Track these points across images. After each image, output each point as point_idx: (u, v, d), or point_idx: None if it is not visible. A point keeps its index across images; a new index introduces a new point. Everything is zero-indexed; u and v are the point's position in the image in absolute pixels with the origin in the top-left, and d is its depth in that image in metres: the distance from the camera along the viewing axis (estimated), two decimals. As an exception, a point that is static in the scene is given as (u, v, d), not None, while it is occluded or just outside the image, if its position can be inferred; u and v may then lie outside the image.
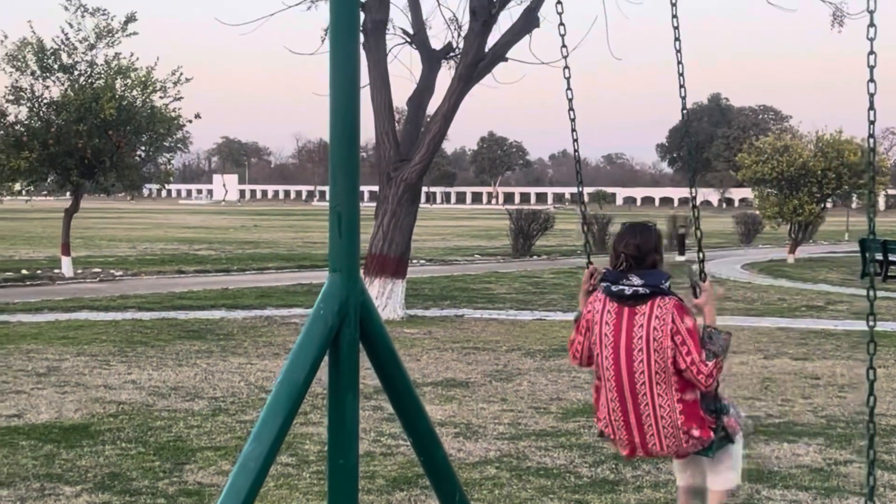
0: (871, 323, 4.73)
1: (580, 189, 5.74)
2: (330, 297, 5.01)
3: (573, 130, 5.39)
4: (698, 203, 5.75)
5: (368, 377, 5.97)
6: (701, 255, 5.27)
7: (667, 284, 4.91)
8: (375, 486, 7.11)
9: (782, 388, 11.12)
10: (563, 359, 12.95)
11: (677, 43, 5.32)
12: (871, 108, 4.35)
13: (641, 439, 4.99)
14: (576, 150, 5.51)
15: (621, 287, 4.90)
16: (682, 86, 5.39)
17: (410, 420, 5.54)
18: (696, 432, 4.90)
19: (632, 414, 4.95)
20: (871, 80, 4.28)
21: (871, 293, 4.67)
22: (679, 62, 5.39)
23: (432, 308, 18.75)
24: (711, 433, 4.94)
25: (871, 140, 4.65)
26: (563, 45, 5.33)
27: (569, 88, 5.39)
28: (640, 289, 4.87)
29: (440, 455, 5.63)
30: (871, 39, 4.27)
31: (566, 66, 5.37)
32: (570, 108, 5.37)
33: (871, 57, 4.27)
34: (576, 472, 7.55)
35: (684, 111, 5.51)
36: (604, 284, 4.99)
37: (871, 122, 4.51)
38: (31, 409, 9.49)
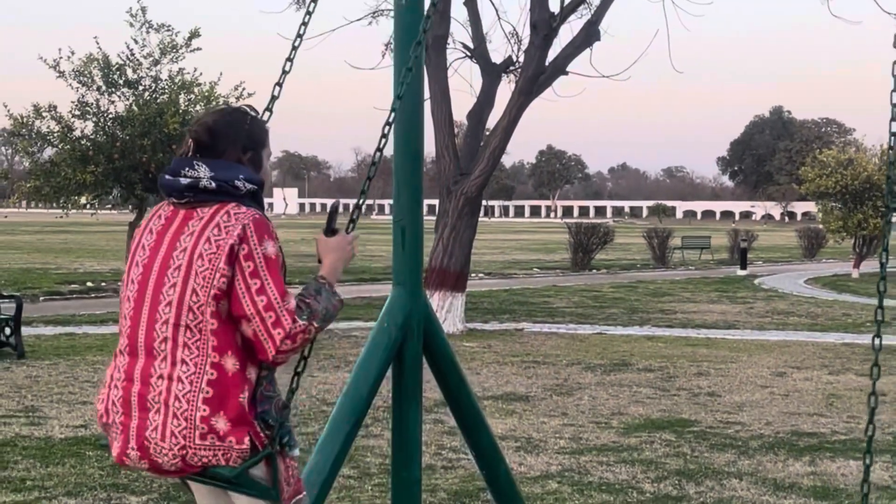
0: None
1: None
2: (394, 311, 5.04)
3: None
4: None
5: (428, 390, 5.98)
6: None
7: (249, 186, 3.26)
8: (437, 499, 7.12)
9: (847, 404, 10.97)
10: (625, 373, 12.87)
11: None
12: (894, 119, 4.33)
13: (140, 425, 3.16)
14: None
15: (176, 178, 3.25)
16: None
17: (473, 434, 5.55)
18: (221, 426, 3.07)
19: (138, 375, 3.19)
20: None
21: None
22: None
23: (492, 322, 18.74)
24: (246, 444, 3.10)
25: (891, 152, 4.58)
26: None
27: None
28: (205, 181, 3.21)
29: (503, 470, 5.63)
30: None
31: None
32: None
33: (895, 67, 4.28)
34: (638, 487, 7.50)
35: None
36: (161, 177, 3.31)
37: (893, 134, 4.44)
38: (96, 420, 9.60)
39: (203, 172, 3.23)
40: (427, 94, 16.93)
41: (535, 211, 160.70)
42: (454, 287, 17.06)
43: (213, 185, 3.22)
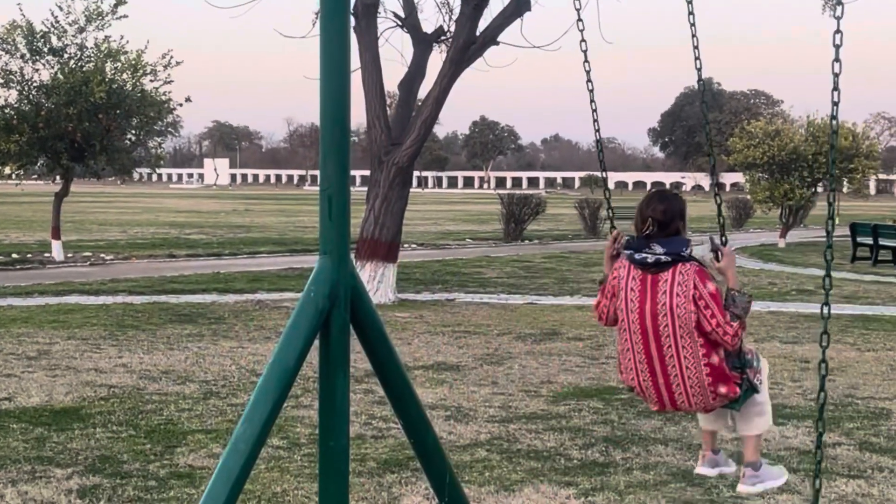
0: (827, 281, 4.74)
1: (603, 165, 5.84)
2: (320, 280, 5.02)
3: (593, 111, 5.64)
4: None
5: (359, 360, 5.98)
6: (721, 219, 5.48)
7: (688, 251, 5.05)
8: (366, 468, 7.13)
9: (771, 371, 11.12)
10: (554, 343, 12.98)
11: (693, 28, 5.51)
12: (836, 88, 4.45)
13: (670, 397, 5.20)
14: (597, 130, 5.74)
15: (644, 255, 5.07)
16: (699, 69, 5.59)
17: (401, 403, 5.56)
18: (722, 389, 5.08)
19: (660, 375, 5.17)
20: (837, 59, 4.40)
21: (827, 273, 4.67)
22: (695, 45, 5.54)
23: (424, 292, 18.77)
24: (738, 389, 5.11)
25: (834, 122, 4.70)
26: (583, 40, 5.59)
27: (588, 80, 5.61)
28: (662, 257, 5.03)
29: (431, 438, 5.65)
30: (838, 18, 4.37)
31: (585, 51, 5.59)
32: (590, 89, 5.62)
33: (837, 36, 4.39)
34: (566, 454, 7.58)
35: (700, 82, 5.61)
36: (627, 252, 5.16)
37: (835, 104, 4.58)
38: (21, 392, 9.49)
39: (658, 250, 4.99)
40: (358, 63, 16.84)
41: (469, 182, 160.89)
42: (386, 258, 17.04)
43: (669, 259, 4.95)
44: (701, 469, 5.74)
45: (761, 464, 5.56)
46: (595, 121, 5.63)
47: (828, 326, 4.63)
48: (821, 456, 4.78)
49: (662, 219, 5.10)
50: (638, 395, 5.34)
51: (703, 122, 5.63)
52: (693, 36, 5.50)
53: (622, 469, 7.19)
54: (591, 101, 5.62)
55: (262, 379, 4.88)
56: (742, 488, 5.57)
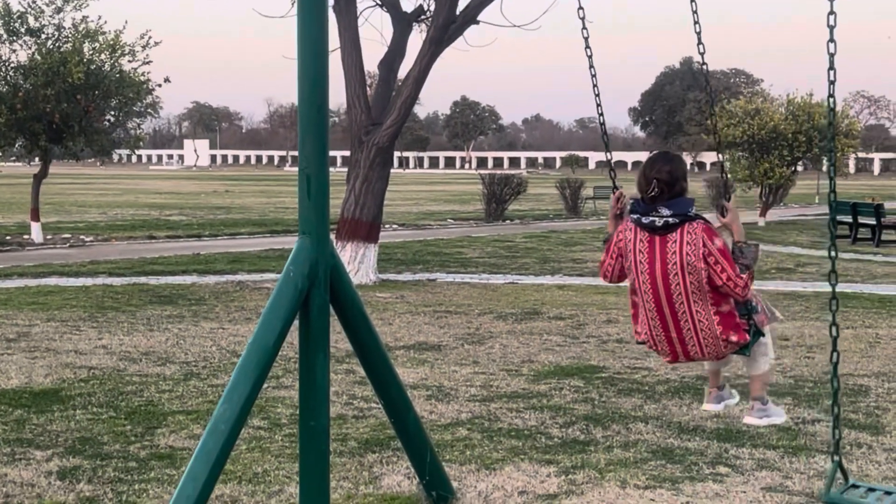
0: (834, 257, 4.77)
1: (604, 136, 6.22)
2: (299, 260, 5.02)
3: (594, 86, 6.03)
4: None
5: (340, 341, 5.98)
6: (724, 175, 5.94)
7: (693, 210, 5.24)
8: (347, 447, 7.14)
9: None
10: (535, 322, 13.01)
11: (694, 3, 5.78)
12: (831, 67, 4.42)
13: (683, 349, 5.44)
14: (598, 105, 6.16)
15: (652, 219, 5.25)
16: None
17: (382, 383, 5.57)
18: (734, 337, 5.33)
19: (673, 330, 5.40)
20: (832, 39, 4.36)
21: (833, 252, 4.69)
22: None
23: (405, 272, 18.76)
24: (747, 335, 5.39)
25: (831, 100, 4.70)
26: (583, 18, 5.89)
27: (587, 47, 5.96)
28: (670, 219, 5.21)
29: (411, 417, 5.67)
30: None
31: (584, 28, 5.90)
32: (591, 66, 5.97)
33: (832, 17, 4.34)
34: (547, 432, 7.60)
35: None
36: (634, 217, 5.34)
37: (832, 82, 4.57)
38: (0, 374, 9.44)
39: (665, 212, 5.22)
40: (337, 43, 16.77)
41: (450, 162, 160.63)
42: (367, 238, 17.02)
43: (676, 220, 5.21)
44: (707, 405, 6.17)
45: (767, 400, 5.89)
46: (598, 105, 6.12)
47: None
48: (838, 436, 4.80)
49: (668, 179, 5.27)
50: (650, 348, 5.62)
51: (708, 104, 6.02)
52: (696, 23, 5.73)
53: (602, 447, 7.21)
54: (594, 85, 6.00)
55: (241, 359, 4.88)
56: (749, 419, 5.93)
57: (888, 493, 4.75)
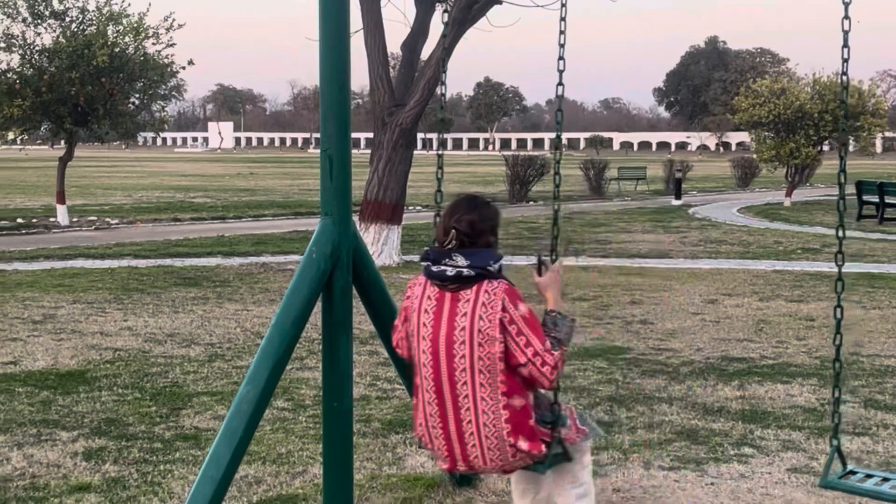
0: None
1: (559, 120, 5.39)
2: (322, 241, 5.01)
3: (560, 72, 4.97)
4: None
5: (364, 322, 5.97)
6: (556, 230, 4.63)
7: (496, 266, 4.24)
8: (371, 428, 7.15)
9: (777, 329, 11.16)
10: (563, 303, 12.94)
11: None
12: (845, 45, 4.37)
13: (462, 451, 4.30)
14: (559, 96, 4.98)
15: (442, 268, 4.21)
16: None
17: (405, 364, 5.55)
18: (524, 445, 4.21)
19: (451, 421, 4.28)
20: (846, 16, 4.31)
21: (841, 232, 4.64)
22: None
23: (428, 254, 18.70)
24: (543, 447, 4.27)
25: (844, 78, 4.63)
26: None
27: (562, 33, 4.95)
28: (465, 270, 4.17)
29: (434, 397, 5.65)
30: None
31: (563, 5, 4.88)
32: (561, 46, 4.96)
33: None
34: (570, 414, 7.58)
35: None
36: (423, 264, 4.32)
37: (845, 60, 4.50)
38: (27, 356, 9.51)
39: (461, 262, 4.23)
40: (359, 24, 16.74)
41: (474, 144, 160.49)
42: (390, 219, 17.01)
43: (473, 273, 4.20)
44: None
45: None
46: (560, 83, 4.96)
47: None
48: (838, 419, 4.70)
49: (469, 231, 4.29)
50: (427, 447, 4.49)
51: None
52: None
53: (626, 428, 7.19)
54: (560, 57, 4.92)
55: (264, 340, 4.88)
56: None
57: (886, 478, 4.67)
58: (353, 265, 5.10)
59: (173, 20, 24.58)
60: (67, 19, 24.03)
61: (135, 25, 24.17)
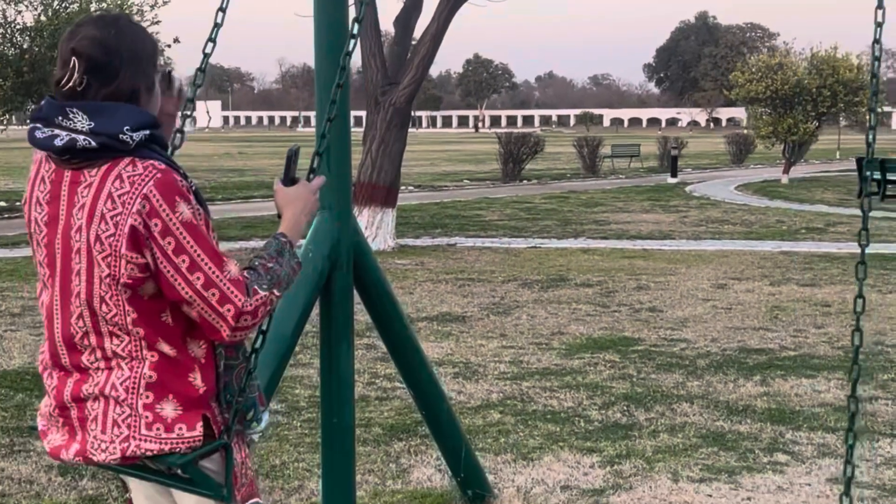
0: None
1: None
2: (319, 239, 4.45)
3: None
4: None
5: (359, 312, 5.42)
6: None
7: (141, 135, 2.52)
8: (371, 435, 6.61)
9: (792, 317, 10.64)
10: (562, 289, 12.45)
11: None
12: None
13: (80, 414, 2.65)
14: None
15: (51, 132, 2.55)
16: None
17: (412, 374, 5.02)
18: (166, 413, 2.55)
19: (71, 383, 2.68)
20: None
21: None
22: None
23: (423, 237, 18.20)
24: (199, 430, 2.56)
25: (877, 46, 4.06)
26: None
27: None
28: (84, 138, 2.50)
29: (444, 410, 5.12)
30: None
31: None
32: None
33: None
34: (585, 415, 7.06)
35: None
36: (29, 126, 2.69)
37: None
38: (2, 353, 8.94)
39: (81, 124, 2.51)
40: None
41: (463, 121, 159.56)
42: (384, 203, 16.44)
43: (94, 143, 2.50)
44: None
45: None
46: None
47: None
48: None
49: (99, 56, 2.54)
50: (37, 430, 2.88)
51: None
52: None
53: (647, 432, 6.66)
54: None
55: (256, 351, 4.33)
56: None
57: None
58: (353, 264, 4.55)
59: (158, -3, 23.92)
60: (49, -3, 23.36)
61: (118, 3, 23.50)
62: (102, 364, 2.60)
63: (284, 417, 7.02)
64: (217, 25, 3.89)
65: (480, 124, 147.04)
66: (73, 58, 2.55)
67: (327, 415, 4.59)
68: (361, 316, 7.29)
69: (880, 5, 3.69)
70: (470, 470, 5.22)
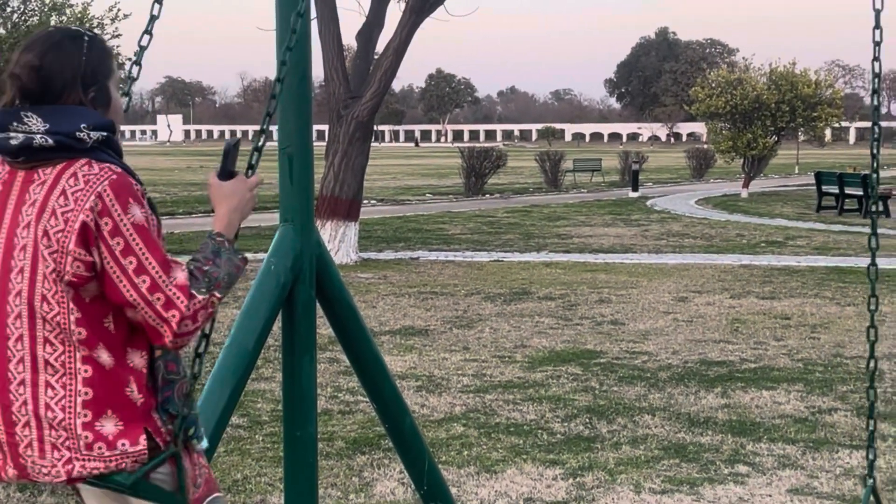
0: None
1: None
2: (282, 251, 4.43)
3: None
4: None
5: (322, 325, 5.42)
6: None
7: (98, 135, 2.55)
8: (334, 449, 6.59)
9: (752, 329, 10.73)
10: (525, 303, 12.47)
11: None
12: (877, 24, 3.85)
13: (12, 448, 2.54)
14: None
15: (7, 134, 2.53)
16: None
17: (374, 386, 5.00)
18: (107, 430, 2.50)
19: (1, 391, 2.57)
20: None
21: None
22: None
23: (386, 250, 18.19)
24: (143, 444, 2.52)
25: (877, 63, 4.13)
26: None
27: None
28: (41, 136, 2.50)
29: (407, 423, 5.10)
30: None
31: None
32: None
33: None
34: (548, 427, 7.08)
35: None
36: None
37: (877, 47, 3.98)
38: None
39: (36, 126, 2.51)
40: (314, 13, 16.11)
41: (426, 135, 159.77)
42: (347, 216, 16.43)
43: (51, 141, 2.50)
44: None
45: None
46: None
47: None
48: (873, 456, 4.22)
49: (39, 79, 2.55)
50: None
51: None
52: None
53: (609, 444, 6.69)
54: None
55: (217, 363, 4.30)
56: None
57: None
58: (316, 277, 4.54)
59: (118, 10, 23.82)
60: (9, 10, 23.21)
61: (79, 16, 23.38)
62: (28, 376, 2.51)
63: (246, 432, 6.99)
64: (153, 17, 3.87)
65: (443, 139, 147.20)
66: (17, 76, 2.56)
67: (290, 428, 4.57)
68: (324, 329, 7.29)
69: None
70: (433, 483, 5.21)
